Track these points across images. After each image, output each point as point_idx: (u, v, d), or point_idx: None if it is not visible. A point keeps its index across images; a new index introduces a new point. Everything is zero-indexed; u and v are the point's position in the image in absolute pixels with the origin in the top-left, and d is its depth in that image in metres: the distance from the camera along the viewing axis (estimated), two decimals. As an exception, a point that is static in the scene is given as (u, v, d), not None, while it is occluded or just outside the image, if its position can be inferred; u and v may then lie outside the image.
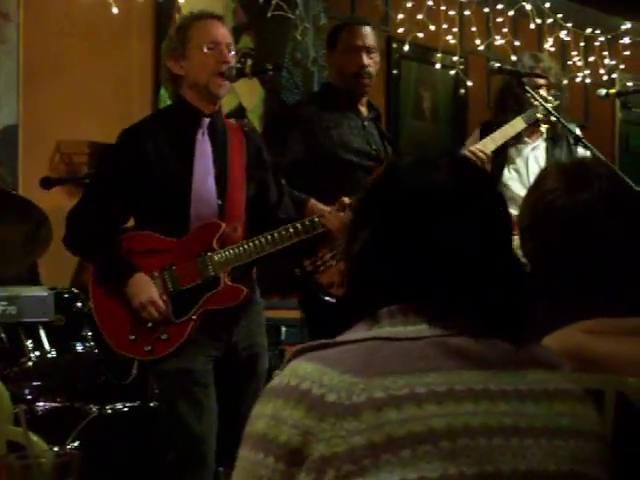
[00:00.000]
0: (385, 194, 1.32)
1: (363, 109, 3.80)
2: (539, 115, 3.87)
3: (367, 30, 3.77)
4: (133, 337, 3.07)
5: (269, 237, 3.09)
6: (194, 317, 3.06)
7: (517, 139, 4.08)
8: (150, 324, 3.05)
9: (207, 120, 3.18)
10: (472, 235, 1.28)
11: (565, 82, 4.07)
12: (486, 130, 3.97)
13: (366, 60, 3.70)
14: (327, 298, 3.40)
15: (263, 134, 3.51)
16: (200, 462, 3.04)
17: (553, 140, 4.09)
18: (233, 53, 3.19)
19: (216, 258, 3.08)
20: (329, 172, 3.56)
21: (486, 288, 1.27)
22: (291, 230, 3.10)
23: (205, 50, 3.13)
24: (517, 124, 3.93)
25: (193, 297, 3.08)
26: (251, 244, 3.09)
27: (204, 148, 3.16)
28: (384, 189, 1.33)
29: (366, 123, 3.77)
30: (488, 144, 3.84)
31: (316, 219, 3.14)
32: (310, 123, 3.64)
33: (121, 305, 3.09)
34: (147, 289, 3.05)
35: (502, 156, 4.04)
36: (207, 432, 3.05)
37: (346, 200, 3.19)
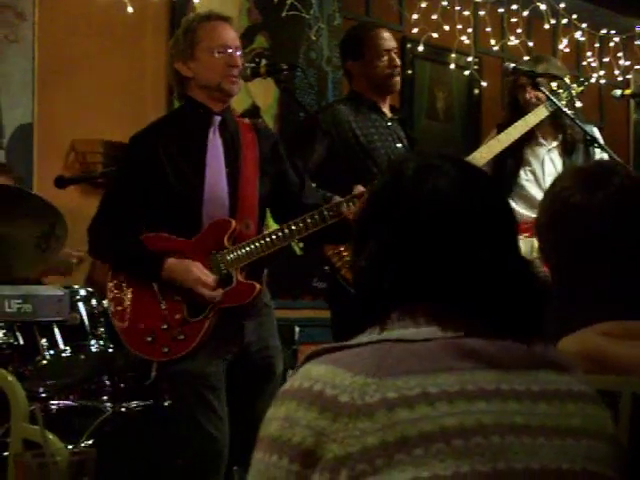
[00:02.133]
0: (392, 201, 1.32)
1: (386, 111, 3.88)
2: (563, 102, 3.87)
3: (387, 32, 3.95)
4: (150, 339, 3.07)
5: (280, 234, 3.08)
6: (210, 316, 3.06)
7: (533, 139, 4.07)
8: (165, 325, 3.06)
9: (218, 118, 3.18)
10: (480, 237, 1.29)
11: (581, 89, 4.06)
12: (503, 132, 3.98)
13: (398, 60, 3.86)
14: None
15: (286, 140, 3.51)
16: (215, 463, 3.04)
17: (568, 146, 4.08)
18: (239, 53, 3.19)
19: (228, 256, 3.08)
20: (354, 171, 3.58)
21: (496, 289, 1.28)
22: (301, 225, 3.07)
23: (215, 54, 3.13)
24: (540, 112, 3.94)
25: None
26: (262, 241, 3.08)
27: (216, 146, 3.16)
28: (390, 196, 1.32)
29: (390, 123, 3.84)
30: (511, 132, 3.91)
31: (325, 212, 3.09)
32: (335, 125, 3.70)
33: (137, 307, 3.10)
34: (187, 271, 3.03)
35: (517, 157, 4.04)
36: (220, 434, 3.04)
37: (360, 188, 3.15)
